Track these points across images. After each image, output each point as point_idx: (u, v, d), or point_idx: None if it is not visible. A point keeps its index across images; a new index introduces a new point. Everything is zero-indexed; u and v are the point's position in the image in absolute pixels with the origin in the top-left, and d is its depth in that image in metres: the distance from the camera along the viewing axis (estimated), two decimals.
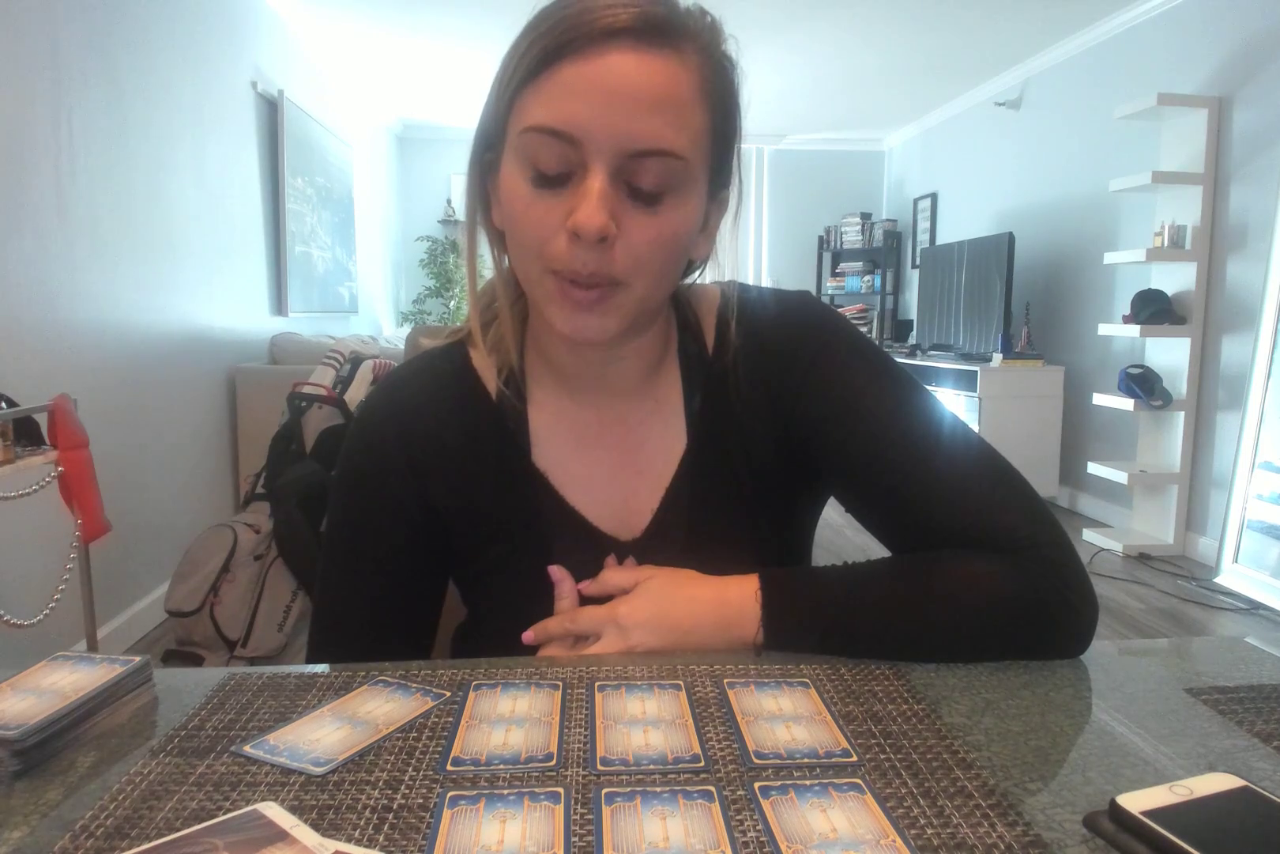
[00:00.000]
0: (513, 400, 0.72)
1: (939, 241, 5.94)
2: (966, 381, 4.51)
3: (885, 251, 6.48)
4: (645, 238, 0.59)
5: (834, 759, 0.46)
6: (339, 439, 2.37)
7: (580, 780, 0.44)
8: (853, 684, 0.56)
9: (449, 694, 0.54)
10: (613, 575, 0.67)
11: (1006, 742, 0.49)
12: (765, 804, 0.42)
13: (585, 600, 0.68)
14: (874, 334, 6.37)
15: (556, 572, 0.69)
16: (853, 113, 6.11)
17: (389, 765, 0.46)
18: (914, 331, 6.06)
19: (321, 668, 0.59)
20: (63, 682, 0.52)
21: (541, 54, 0.58)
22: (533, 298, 0.66)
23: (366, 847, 0.39)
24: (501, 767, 0.46)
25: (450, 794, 0.43)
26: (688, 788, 0.43)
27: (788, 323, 0.73)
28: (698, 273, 0.74)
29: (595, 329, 0.62)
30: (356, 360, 2.77)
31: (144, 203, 2.70)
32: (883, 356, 0.73)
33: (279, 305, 3.92)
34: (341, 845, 0.39)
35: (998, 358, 4.43)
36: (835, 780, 0.44)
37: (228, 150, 3.37)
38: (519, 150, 0.60)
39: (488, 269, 0.71)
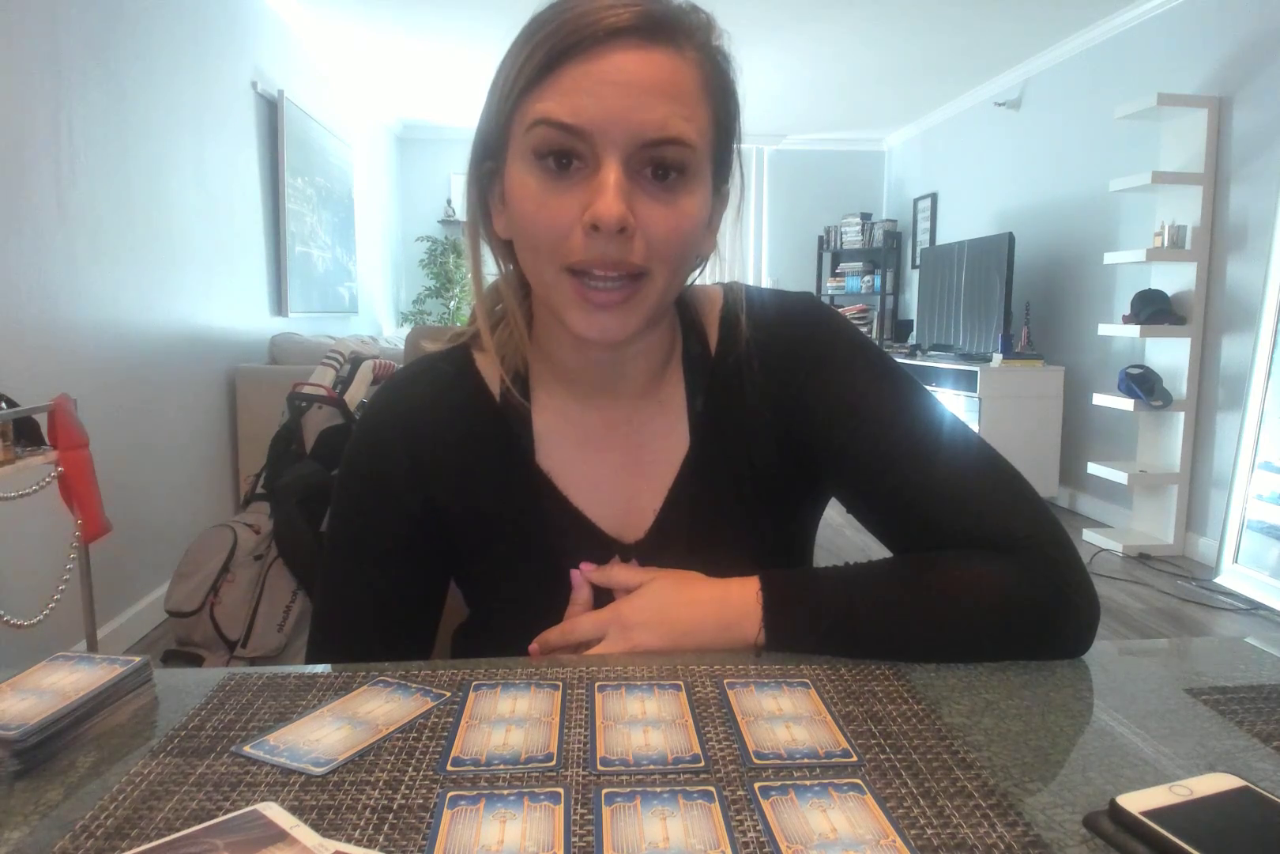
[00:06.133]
0: (518, 402, 0.72)
1: (939, 242, 5.94)
2: (966, 382, 4.51)
3: (885, 252, 6.48)
4: (664, 227, 0.60)
5: (834, 759, 0.46)
6: (339, 439, 2.37)
7: (580, 780, 0.44)
8: (853, 684, 0.56)
9: (449, 694, 0.54)
10: (619, 571, 0.67)
11: (1006, 742, 0.49)
12: (765, 804, 0.42)
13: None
14: (874, 334, 6.37)
15: (577, 577, 0.68)
16: (853, 113, 6.11)
17: (389, 765, 0.46)
18: (914, 332, 6.05)
19: (321, 668, 0.59)
20: (63, 682, 0.52)
21: (546, 58, 0.58)
22: (549, 301, 0.64)
23: (366, 847, 0.39)
24: (501, 767, 0.46)
25: (450, 794, 0.43)
26: (688, 788, 0.43)
27: (790, 324, 0.73)
28: (698, 271, 0.74)
29: (616, 328, 0.62)
30: (356, 360, 2.76)
31: (144, 203, 2.70)
32: (884, 358, 0.73)
33: (279, 305, 3.92)
34: (341, 846, 0.39)
35: (998, 358, 4.43)
36: (835, 780, 0.44)
37: (228, 150, 3.37)
38: (528, 149, 0.60)
39: (490, 273, 0.71)
